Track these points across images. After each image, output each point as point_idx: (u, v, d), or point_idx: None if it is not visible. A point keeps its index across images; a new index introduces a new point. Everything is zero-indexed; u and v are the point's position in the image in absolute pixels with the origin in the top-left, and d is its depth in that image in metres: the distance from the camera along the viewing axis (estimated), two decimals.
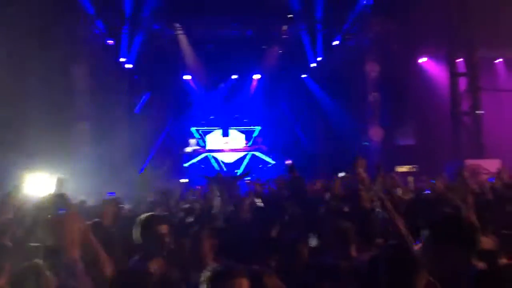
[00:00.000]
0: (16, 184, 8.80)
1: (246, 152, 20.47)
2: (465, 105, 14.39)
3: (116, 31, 16.13)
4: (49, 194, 3.20)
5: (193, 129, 20.35)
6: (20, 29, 14.34)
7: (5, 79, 14.72)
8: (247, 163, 19.74)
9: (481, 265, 2.51)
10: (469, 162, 12.63)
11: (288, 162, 16.18)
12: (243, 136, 20.61)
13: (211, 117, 20.34)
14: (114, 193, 12.14)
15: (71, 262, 2.13)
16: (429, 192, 6.76)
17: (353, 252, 3.55)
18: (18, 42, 14.54)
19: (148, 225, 3.41)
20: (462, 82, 14.53)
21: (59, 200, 2.72)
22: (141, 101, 18.67)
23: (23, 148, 14.76)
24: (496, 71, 16.90)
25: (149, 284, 2.49)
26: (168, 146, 19.58)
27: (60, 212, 2.70)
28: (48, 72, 14.94)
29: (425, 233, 2.63)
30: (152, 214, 4.26)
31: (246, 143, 20.57)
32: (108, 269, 2.66)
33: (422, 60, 16.32)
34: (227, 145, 20.40)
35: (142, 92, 18.68)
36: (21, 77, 15.04)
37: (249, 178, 15.52)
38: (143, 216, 3.75)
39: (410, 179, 10.18)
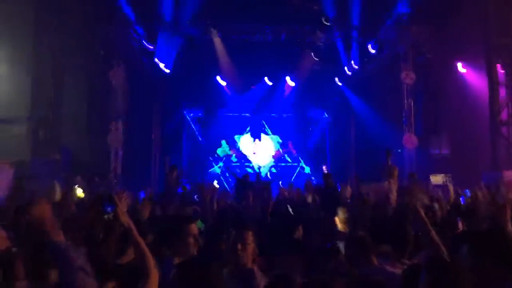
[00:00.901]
0: (74, 182, 9.24)
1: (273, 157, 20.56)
2: (504, 115, 14.06)
3: (155, 35, 16.49)
4: (96, 194, 3.35)
5: (223, 141, 20.52)
6: (60, 33, 14.88)
7: (44, 79, 15.32)
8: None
9: None
10: (507, 173, 12.34)
11: (325, 169, 16.15)
12: (271, 141, 20.71)
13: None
14: (143, 192, 12.41)
15: (59, 243, 2.06)
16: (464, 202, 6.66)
17: (374, 260, 3.54)
18: (58, 44, 15.09)
19: (177, 225, 3.42)
20: (501, 91, 14.20)
21: (107, 199, 2.84)
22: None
23: (60, 145, 15.30)
24: None
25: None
26: (199, 148, 19.90)
27: (109, 211, 2.82)
28: (87, 73, 15.44)
29: (464, 247, 2.58)
30: (179, 214, 4.27)
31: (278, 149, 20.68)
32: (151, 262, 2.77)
33: (460, 68, 16.02)
34: (258, 148, 20.53)
35: (176, 93, 19.06)
36: (60, 78, 15.60)
37: (280, 182, 15.61)
38: (171, 215, 3.81)
39: (451, 187, 9.98)
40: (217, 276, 2.49)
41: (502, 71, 14.19)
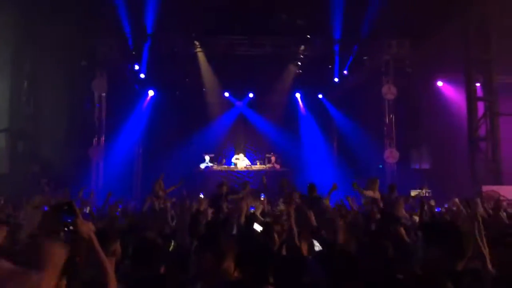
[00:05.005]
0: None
1: (259, 169, 20.41)
2: (482, 130, 14.22)
3: (137, 48, 16.40)
4: (57, 203, 3.19)
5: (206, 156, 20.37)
6: (40, 44, 14.72)
7: (23, 91, 15.13)
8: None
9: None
10: (486, 188, 12.46)
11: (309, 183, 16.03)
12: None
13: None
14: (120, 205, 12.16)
15: None
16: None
17: None
18: (38, 56, 14.92)
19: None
20: (480, 107, 14.38)
21: (66, 208, 2.70)
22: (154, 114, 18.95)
23: (41, 159, 15.05)
24: None
25: None
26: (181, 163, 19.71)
27: (68, 221, 2.70)
28: (67, 85, 15.25)
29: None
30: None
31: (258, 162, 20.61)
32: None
33: (439, 83, 16.25)
34: (242, 162, 20.42)
35: (159, 107, 18.91)
36: (39, 89, 15.40)
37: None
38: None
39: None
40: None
41: (481, 86, 14.40)
